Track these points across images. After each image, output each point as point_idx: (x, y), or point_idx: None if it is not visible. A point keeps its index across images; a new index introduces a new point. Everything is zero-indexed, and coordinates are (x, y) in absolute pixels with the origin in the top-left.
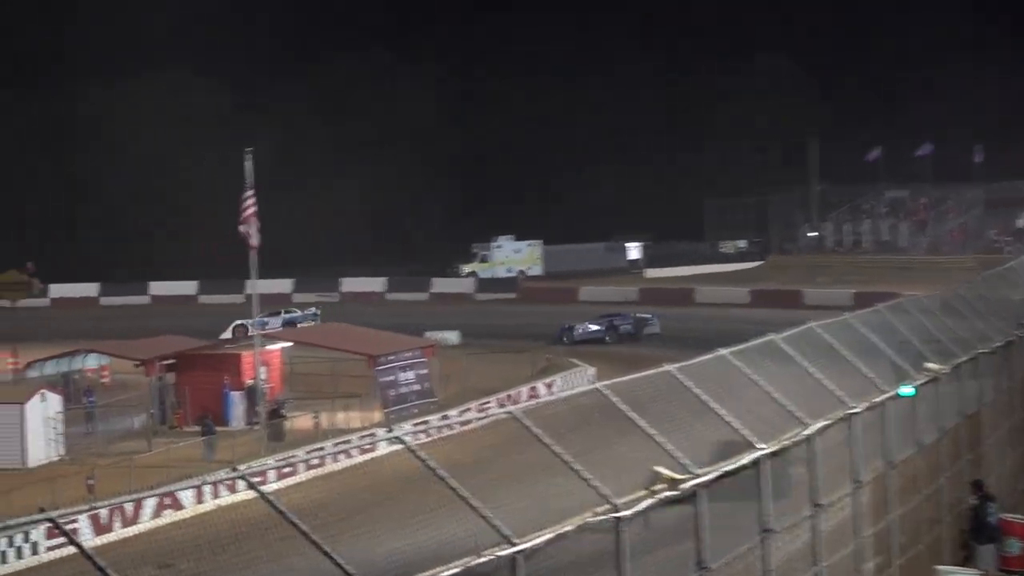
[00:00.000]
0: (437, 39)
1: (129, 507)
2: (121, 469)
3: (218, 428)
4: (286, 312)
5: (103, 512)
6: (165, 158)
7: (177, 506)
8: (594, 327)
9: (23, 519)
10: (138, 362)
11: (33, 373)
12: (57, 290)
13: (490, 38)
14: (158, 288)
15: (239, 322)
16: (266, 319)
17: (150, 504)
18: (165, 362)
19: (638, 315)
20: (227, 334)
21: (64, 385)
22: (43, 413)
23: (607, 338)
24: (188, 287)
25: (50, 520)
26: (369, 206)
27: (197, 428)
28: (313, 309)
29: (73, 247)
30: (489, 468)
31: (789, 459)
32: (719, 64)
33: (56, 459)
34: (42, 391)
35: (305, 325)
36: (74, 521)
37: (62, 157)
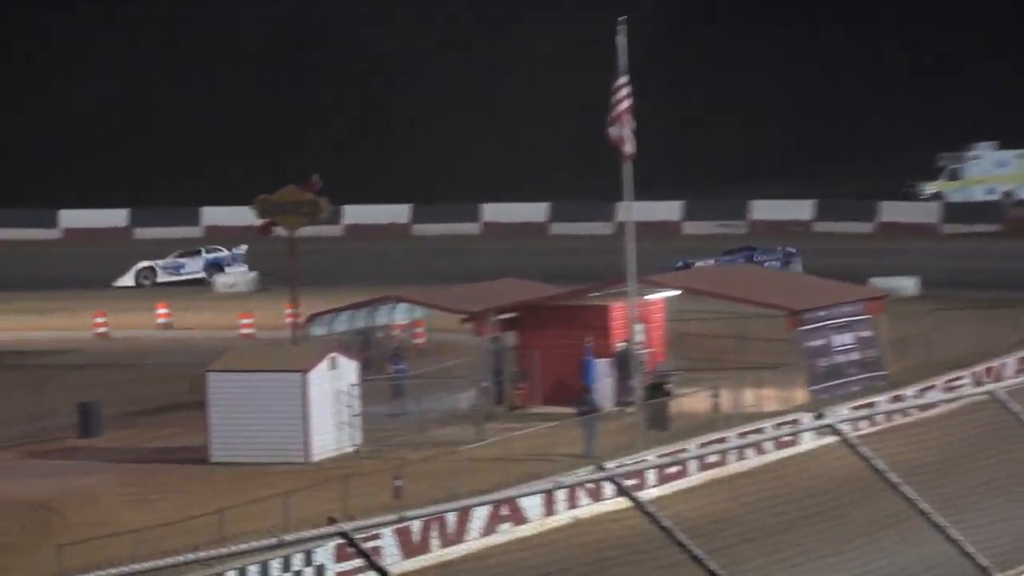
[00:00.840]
0: None
1: (451, 519)
2: (441, 465)
3: (572, 409)
4: (208, 251)
5: (415, 525)
6: (491, 33)
7: (519, 518)
8: (718, 263)
9: (306, 533)
10: (466, 316)
11: (319, 330)
12: (353, 213)
13: None
14: (492, 212)
15: (144, 264)
16: (182, 260)
17: (481, 515)
18: (503, 316)
19: (786, 248)
20: (127, 280)
21: (362, 347)
22: (333, 386)
23: None
24: (534, 211)
25: (343, 535)
26: (790, 103)
27: (545, 409)
28: (244, 247)
29: (377, 156)
30: (960, 470)
31: None
32: None
33: (350, 450)
34: (332, 355)
35: (235, 269)
36: (375, 537)
37: (344, 38)
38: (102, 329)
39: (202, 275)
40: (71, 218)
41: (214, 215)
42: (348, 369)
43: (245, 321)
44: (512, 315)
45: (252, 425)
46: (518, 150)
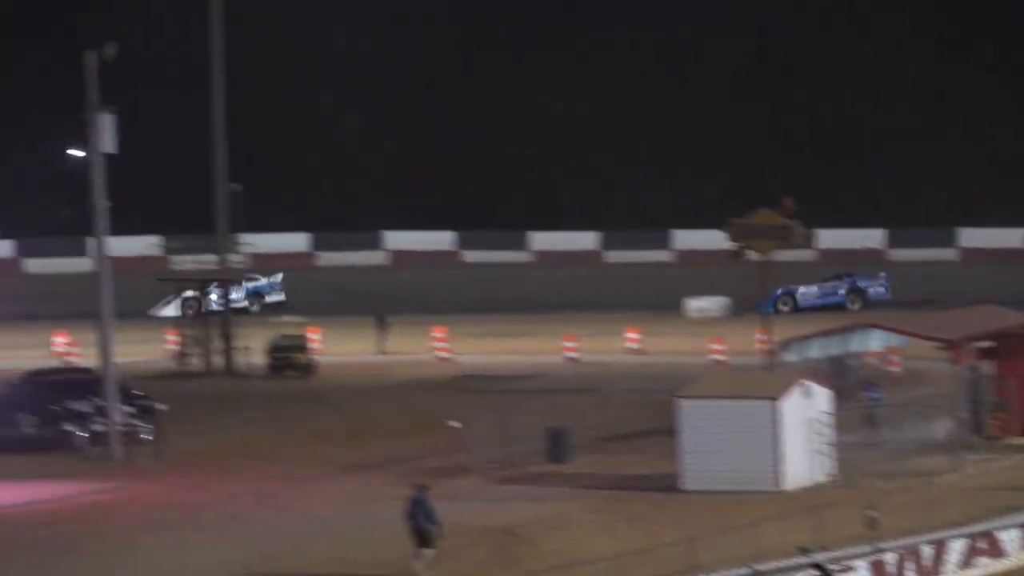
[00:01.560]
0: None
1: (927, 550)
2: (916, 496)
3: None
4: (247, 280)
5: (889, 557)
6: (957, 46)
7: (996, 551)
8: (820, 290)
9: (778, 563)
10: (942, 344)
11: (791, 356)
12: (828, 238)
13: None
14: (970, 237)
15: (190, 294)
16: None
17: (957, 547)
18: (981, 344)
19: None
20: (170, 310)
21: (835, 374)
22: (805, 414)
23: (849, 304)
24: (1014, 236)
25: (816, 566)
26: None
27: None
28: (280, 275)
29: (851, 177)
30: None
31: None
32: None
33: (823, 479)
34: (804, 382)
35: (274, 297)
36: (849, 569)
37: (816, 51)
38: (572, 354)
39: (244, 304)
40: (543, 240)
41: (686, 238)
42: (821, 397)
43: (716, 347)
44: (990, 343)
45: (723, 453)
46: (999, 167)
